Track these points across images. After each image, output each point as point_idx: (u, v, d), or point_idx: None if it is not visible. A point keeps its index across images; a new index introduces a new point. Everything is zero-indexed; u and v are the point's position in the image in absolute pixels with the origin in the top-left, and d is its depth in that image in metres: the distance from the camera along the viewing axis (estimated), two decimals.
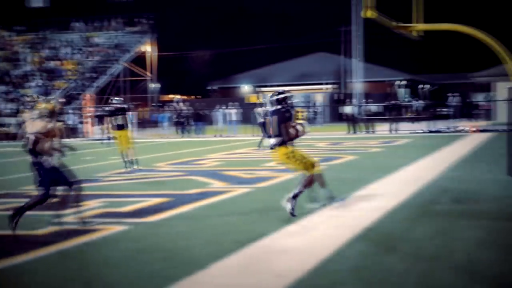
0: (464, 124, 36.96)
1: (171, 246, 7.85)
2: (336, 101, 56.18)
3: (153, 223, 9.38)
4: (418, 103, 53.62)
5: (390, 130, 34.24)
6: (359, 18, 47.30)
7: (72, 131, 41.12)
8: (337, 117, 52.85)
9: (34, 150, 8.88)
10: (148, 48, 60.89)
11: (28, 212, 9.23)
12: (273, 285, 6.08)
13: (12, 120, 41.49)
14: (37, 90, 48.08)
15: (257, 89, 63.70)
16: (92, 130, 41.33)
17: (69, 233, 8.83)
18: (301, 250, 7.41)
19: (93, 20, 61.34)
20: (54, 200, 9.28)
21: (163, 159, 20.79)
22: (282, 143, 9.71)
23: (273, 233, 8.35)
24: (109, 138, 26.18)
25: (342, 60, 59.46)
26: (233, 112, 38.15)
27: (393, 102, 39.79)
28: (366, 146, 24.14)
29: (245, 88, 66.69)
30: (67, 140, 38.20)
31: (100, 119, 41.26)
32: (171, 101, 61.12)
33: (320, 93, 57.76)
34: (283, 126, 9.60)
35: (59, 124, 9.35)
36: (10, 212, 9.11)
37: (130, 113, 16.96)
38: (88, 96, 46.21)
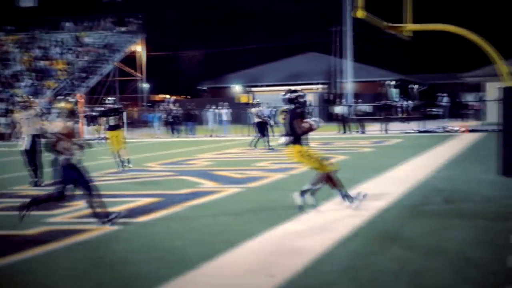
0: (454, 124, 37.05)
1: (162, 246, 7.85)
2: (327, 101, 56.25)
3: (144, 223, 9.36)
4: (408, 103, 53.75)
5: (381, 130, 34.31)
6: (349, 18, 47.44)
7: None
8: (327, 117, 52.92)
9: (56, 150, 8.90)
10: (138, 48, 60.80)
11: (17, 212, 9.21)
12: (265, 285, 6.08)
13: (1, 120, 41.34)
14: (27, 90, 47.95)
15: (248, 89, 63.66)
16: (82, 130, 41.16)
17: (60, 233, 8.81)
18: (293, 250, 7.41)
19: (83, 20, 61.24)
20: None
21: (154, 159, 20.77)
22: (296, 142, 9.73)
23: (264, 233, 8.35)
24: (104, 138, 26.09)
25: (333, 60, 59.53)
26: (223, 112, 38.13)
27: (383, 102, 39.88)
28: (357, 146, 24.18)
29: (236, 88, 66.68)
30: None
31: (90, 119, 41.16)
32: (161, 101, 61.09)
33: (311, 93, 57.76)
34: (294, 122, 9.63)
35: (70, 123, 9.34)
36: (22, 203, 9.15)
37: (124, 113, 16.86)
38: (79, 96, 46.04)
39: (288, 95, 9.90)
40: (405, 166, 16.10)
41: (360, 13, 12.90)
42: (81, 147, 9.22)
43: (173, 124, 39.57)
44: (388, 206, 10.07)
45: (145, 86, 63.82)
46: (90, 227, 9.12)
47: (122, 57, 58.94)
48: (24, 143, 14.31)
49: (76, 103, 9.16)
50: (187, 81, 78.17)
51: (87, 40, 58.56)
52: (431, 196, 11.04)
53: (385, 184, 12.86)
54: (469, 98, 51.65)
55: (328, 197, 11.14)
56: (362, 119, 35.90)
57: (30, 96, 16.12)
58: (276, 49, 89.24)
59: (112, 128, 16.75)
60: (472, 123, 37.97)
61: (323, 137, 31.26)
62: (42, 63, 55.00)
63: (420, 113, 41.34)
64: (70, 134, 9.03)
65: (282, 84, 61.74)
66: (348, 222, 8.91)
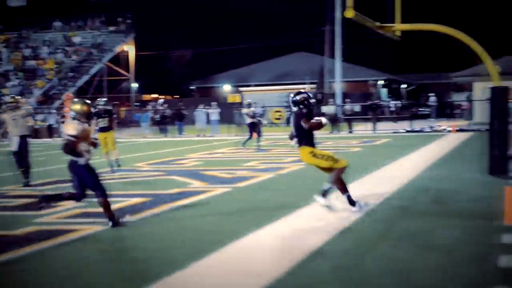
0: (442, 124, 37.17)
1: (150, 246, 7.84)
2: (316, 101, 56.28)
3: (132, 223, 9.34)
4: (396, 103, 53.86)
5: (370, 130, 34.37)
6: (339, 18, 47.46)
7: (53, 131, 40.87)
8: (316, 116, 52.82)
9: (73, 152, 8.90)
10: (127, 48, 60.65)
11: (6, 213, 9.19)
12: (253, 285, 6.08)
13: None
14: (15, 89, 47.76)
15: (238, 88, 63.60)
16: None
17: (48, 233, 8.79)
18: (281, 249, 7.42)
19: (72, 19, 61.07)
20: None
21: (143, 159, 20.74)
22: (306, 143, 9.74)
23: (252, 233, 8.35)
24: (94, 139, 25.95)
25: (322, 60, 59.53)
26: (213, 112, 38.08)
27: (372, 101, 39.95)
28: (346, 145, 24.22)
29: (226, 88, 66.61)
30: (49, 140, 38.09)
31: None
32: (151, 100, 60.92)
33: None
34: (302, 121, 9.62)
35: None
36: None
37: (115, 115, 16.73)
38: (69, 95, 45.91)
39: (294, 98, 9.91)
40: (393, 166, 16.14)
41: (350, 13, 12.93)
42: (94, 147, 9.29)
43: (161, 123, 39.48)
44: (376, 206, 10.10)
45: (134, 85, 63.67)
46: (78, 227, 9.11)
47: (111, 57, 58.78)
48: (12, 144, 14.26)
49: (91, 104, 9.18)
50: (176, 81, 77.97)
51: (76, 39, 58.40)
52: (419, 195, 11.08)
53: (373, 183, 12.89)
54: (458, 98, 51.79)
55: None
56: (351, 118, 35.94)
57: (19, 97, 16.03)
58: (265, 48, 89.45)
59: (102, 129, 16.63)
60: (460, 123, 38.09)
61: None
62: (32, 63, 54.81)
63: (408, 112, 41.42)
64: (86, 136, 9.06)
65: (272, 84, 61.81)
66: (337, 221, 8.93)
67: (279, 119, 47.89)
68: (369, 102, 39.65)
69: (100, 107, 16.85)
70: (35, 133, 38.38)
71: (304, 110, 9.73)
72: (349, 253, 7.18)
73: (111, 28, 60.00)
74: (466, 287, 5.86)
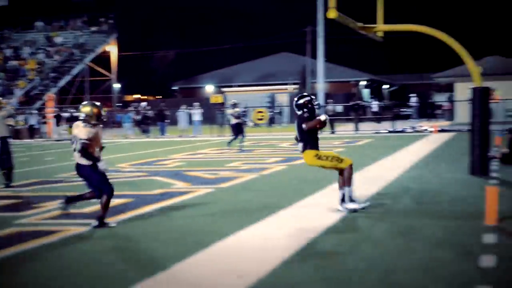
0: (424, 124, 37.35)
1: (133, 247, 7.82)
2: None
3: (115, 224, 9.30)
4: (379, 103, 53.99)
5: (352, 130, 34.47)
6: (322, 19, 47.51)
7: (34, 132, 40.65)
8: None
9: (90, 155, 8.94)
10: (109, 48, 60.42)
11: None
12: (236, 285, 6.08)
13: None
14: None
15: (221, 89, 63.57)
16: (51, 130, 40.85)
17: (29, 234, 8.75)
18: (264, 250, 7.43)
19: (54, 19, 60.75)
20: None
21: (126, 159, 20.67)
22: (310, 146, 9.76)
23: (235, 233, 8.35)
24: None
25: (305, 61, 59.63)
26: (196, 113, 38.03)
27: (355, 102, 40.05)
28: (329, 146, 24.21)
29: (208, 89, 66.54)
30: (30, 140, 37.87)
31: (58, 120, 40.83)
32: (133, 101, 60.73)
33: (284, 93, 57.86)
34: (304, 124, 9.65)
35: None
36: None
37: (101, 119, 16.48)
38: (50, 96, 45.69)
39: (299, 101, 9.92)
40: (375, 166, 16.20)
41: (333, 14, 12.95)
42: (101, 149, 9.31)
43: (143, 124, 39.35)
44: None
45: (116, 86, 63.44)
46: (60, 228, 9.07)
47: (93, 57, 58.53)
48: None
49: (101, 107, 9.21)
50: (159, 81, 77.88)
51: (58, 39, 58.11)
52: (401, 196, 11.13)
53: (355, 184, 12.90)
54: (440, 98, 52.06)
55: (299, 197, 11.20)
56: (333, 119, 36.01)
57: (0, 98, 15.90)
58: (248, 49, 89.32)
59: None
60: (441, 123, 38.29)
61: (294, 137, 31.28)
62: (12, 63, 54.47)
63: (390, 113, 41.57)
64: (98, 139, 9.09)
65: (254, 85, 61.80)
66: (318, 222, 8.95)
67: (261, 119, 47.91)
68: (351, 103, 39.74)
69: None
70: (16, 133, 38.15)
71: (306, 115, 9.75)
72: (330, 253, 7.19)
73: (93, 28, 59.75)
74: (448, 286, 5.89)
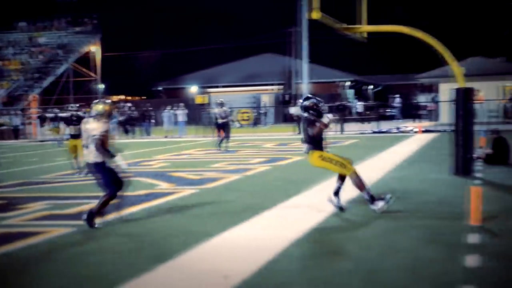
0: (408, 125, 37.49)
1: (117, 248, 7.79)
2: (283, 102, 56.41)
3: (98, 225, 9.26)
4: (362, 104, 54.19)
5: (337, 131, 34.52)
6: (305, 19, 47.56)
7: (18, 132, 40.42)
8: (283, 118, 53.02)
9: (106, 149, 9.07)
10: (93, 48, 60.16)
11: None
12: (221, 285, 6.08)
13: None
14: None
15: (205, 89, 63.48)
16: (35, 130, 40.62)
17: (15, 235, 8.69)
18: (248, 250, 7.42)
19: (38, 19, 60.42)
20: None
21: None
22: (315, 147, 9.76)
23: (220, 234, 8.34)
24: (58, 140, 25.55)
25: (289, 61, 59.69)
26: (180, 113, 37.97)
27: (340, 103, 40.15)
28: None
29: (193, 89, 66.43)
30: (15, 141, 37.65)
31: (43, 120, 40.63)
32: (118, 101, 60.47)
33: (267, 94, 57.93)
34: (309, 127, 9.68)
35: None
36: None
37: None
38: (34, 97, 45.45)
39: (304, 103, 9.92)
40: (361, 167, 16.15)
41: (316, 14, 12.96)
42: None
43: (128, 125, 39.23)
44: (343, 207, 10.13)
45: (100, 86, 63.19)
46: (44, 230, 9.03)
47: (77, 58, 58.25)
48: None
49: (113, 104, 9.36)
50: (143, 82, 77.65)
51: (41, 40, 57.79)
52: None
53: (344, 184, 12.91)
54: (423, 99, 52.27)
55: (283, 198, 11.20)
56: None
57: None
58: (232, 50, 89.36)
59: (73, 136, 16.29)
60: (425, 124, 38.45)
61: (279, 138, 31.36)
62: None
63: (375, 113, 41.72)
64: (108, 136, 9.21)
65: (239, 85, 61.76)
66: (303, 222, 8.95)
67: (246, 120, 47.91)
68: (336, 103, 39.82)
69: (73, 113, 16.55)
70: (1, 134, 37.93)
71: (312, 118, 9.75)
72: (316, 253, 7.20)
73: (77, 29, 59.42)
74: (432, 286, 5.90)
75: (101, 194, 9.35)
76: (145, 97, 75.26)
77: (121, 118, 39.93)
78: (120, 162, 9.29)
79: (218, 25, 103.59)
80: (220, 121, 23.50)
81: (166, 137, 36.29)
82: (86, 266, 6.97)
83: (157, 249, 7.63)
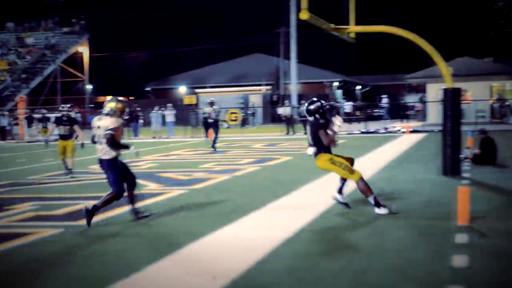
0: (396, 125, 37.58)
1: (105, 249, 7.78)
2: (271, 102, 56.48)
3: (86, 226, 9.24)
4: (351, 104, 54.26)
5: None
6: (294, 20, 47.64)
7: (6, 133, 40.19)
8: (271, 118, 53.02)
9: (117, 144, 9.29)
10: (81, 49, 59.98)
11: None
12: (209, 286, 6.08)
13: None
14: None
15: (194, 90, 63.40)
16: (22, 131, 40.43)
17: (1, 236, 8.66)
18: (237, 250, 7.42)
19: (25, 20, 60.19)
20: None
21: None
22: (323, 150, 9.77)
23: (209, 234, 8.34)
24: (46, 141, 25.38)
25: (277, 62, 59.74)
26: (169, 114, 37.89)
27: (328, 103, 40.17)
28: (302, 147, 24.28)
29: (182, 90, 66.33)
30: (2, 142, 37.47)
31: (30, 121, 40.43)
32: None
33: (257, 94, 57.93)
34: (319, 133, 9.72)
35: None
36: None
37: (76, 126, 16.05)
38: (22, 97, 45.25)
39: (309, 107, 9.93)
40: None
41: (305, 15, 12.97)
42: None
43: None
44: (332, 207, 10.16)
45: (89, 87, 63.01)
46: (30, 231, 9.01)
47: (65, 58, 58.05)
48: None
49: (123, 102, 9.53)
50: (132, 82, 77.43)
51: (29, 40, 57.58)
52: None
53: (328, 184, 12.92)
54: (411, 99, 52.42)
55: (272, 198, 11.21)
56: (306, 120, 36.05)
57: None
58: (221, 50, 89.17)
59: (62, 137, 16.20)
60: (413, 124, 38.54)
61: (268, 138, 31.36)
62: None
63: (363, 114, 41.78)
64: (121, 131, 9.47)
65: (228, 86, 61.71)
66: (292, 222, 8.96)
67: (235, 120, 47.89)
68: (324, 103, 39.86)
69: (63, 113, 16.39)
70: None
71: (322, 121, 9.77)
72: (304, 253, 7.20)
73: (65, 29, 59.26)
74: (420, 286, 5.92)
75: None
76: (133, 98, 75.08)
77: None
78: (134, 151, 9.58)
79: (207, 25, 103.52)
80: (210, 120, 23.44)
81: (154, 137, 36.19)
82: (73, 267, 6.95)
83: (145, 250, 7.62)
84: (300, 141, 28.48)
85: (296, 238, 8.02)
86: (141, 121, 38.50)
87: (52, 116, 36.29)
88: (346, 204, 9.88)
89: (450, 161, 13.67)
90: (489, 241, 7.58)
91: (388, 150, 21.16)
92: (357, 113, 47.40)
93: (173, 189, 12.89)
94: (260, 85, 60.31)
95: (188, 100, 54.85)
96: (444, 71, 14.00)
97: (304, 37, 50.80)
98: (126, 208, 10.63)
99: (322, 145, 9.79)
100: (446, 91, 13.84)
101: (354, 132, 33.59)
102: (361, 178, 9.70)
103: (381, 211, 9.46)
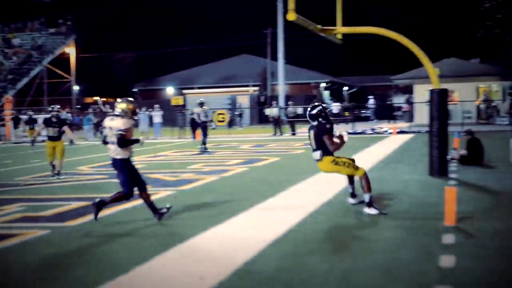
0: (383, 126, 37.67)
1: (93, 251, 7.75)
2: (259, 103, 56.53)
3: (74, 227, 9.24)
4: (339, 105, 54.36)
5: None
6: (281, 21, 47.69)
7: None
8: (259, 119, 53.05)
9: (128, 144, 9.39)
10: (68, 49, 59.75)
11: None
12: (198, 287, 6.07)
13: None
14: None
15: (181, 91, 63.35)
16: (9, 132, 40.26)
17: None
18: (225, 252, 7.42)
19: (11, 21, 59.88)
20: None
21: (85, 162, 20.49)
22: (327, 153, 9.83)
23: (196, 235, 8.34)
24: (32, 141, 25.23)
25: (266, 62, 59.79)
26: (156, 115, 37.81)
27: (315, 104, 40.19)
28: (290, 147, 24.35)
29: (169, 90, 66.26)
30: None
31: (17, 122, 40.26)
32: (93, 103, 60.16)
33: (244, 95, 57.94)
34: (324, 138, 9.76)
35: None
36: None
37: (66, 127, 15.96)
38: (8, 98, 45.04)
39: (312, 111, 9.96)
40: None
41: (292, 16, 12.99)
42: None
43: (102, 126, 38.98)
44: (319, 207, 10.18)
45: (76, 88, 62.79)
46: (19, 232, 8.98)
47: (52, 59, 57.79)
48: None
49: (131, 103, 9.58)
50: (119, 83, 77.28)
51: (15, 41, 57.28)
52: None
53: (316, 185, 12.98)
54: (398, 100, 52.57)
55: (260, 199, 11.21)
56: (293, 120, 36.08)
57: None
58: (209, 51, 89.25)
59: (51, 138, 16.09)
60: (400, 125, 38.65)
61: (256, 139, 31.36)
62: None
63: (350, 114, 41.86)
64: (132, 132, 9.49)
65: (215, 86, 61.71)
66: (280, 223, 8.97)
67: (222, 121, 47.87)
68: (312, 105, 39.91)
69: (53, 113, 16.22)
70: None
71: (328, 126, 9.80)
72: (292, 254, 7.21)
73: (52, 30, 58.97)
74: (407, 287, 5.94)
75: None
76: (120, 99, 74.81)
77: (96, 120, 39.64)
78: (143, 140, 9.81)
79: (195, 26, 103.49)
80: (199, 121, 23.38)
81: (142, 138, 36.04)
82: (60, 269, 6.93)
83: (133, 251, 7.61)
84: (287, 142, 28.53)
85: (284, 238, 8.03)
86: None
87: (39, 117, 36.17)
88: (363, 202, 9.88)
89: (437, 162, 13.72)
90: (476, 241, 7.62)
91: (375, 151, 21.20)
92: (347, 113, 47.46)
93: (161, 190, 12.88)
94: (247, 86, 60.35)
95: (176, 101, 54.79)
96: (431, 72, 14.05)
97: (291, 38, 50.90)
98: (114, 209, 10.62)
99: (326, 148, 9.82)
100: (432, 92, 13.89)
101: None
102: (365, 174, 9.79)
103: (371, 211, 9.50)
